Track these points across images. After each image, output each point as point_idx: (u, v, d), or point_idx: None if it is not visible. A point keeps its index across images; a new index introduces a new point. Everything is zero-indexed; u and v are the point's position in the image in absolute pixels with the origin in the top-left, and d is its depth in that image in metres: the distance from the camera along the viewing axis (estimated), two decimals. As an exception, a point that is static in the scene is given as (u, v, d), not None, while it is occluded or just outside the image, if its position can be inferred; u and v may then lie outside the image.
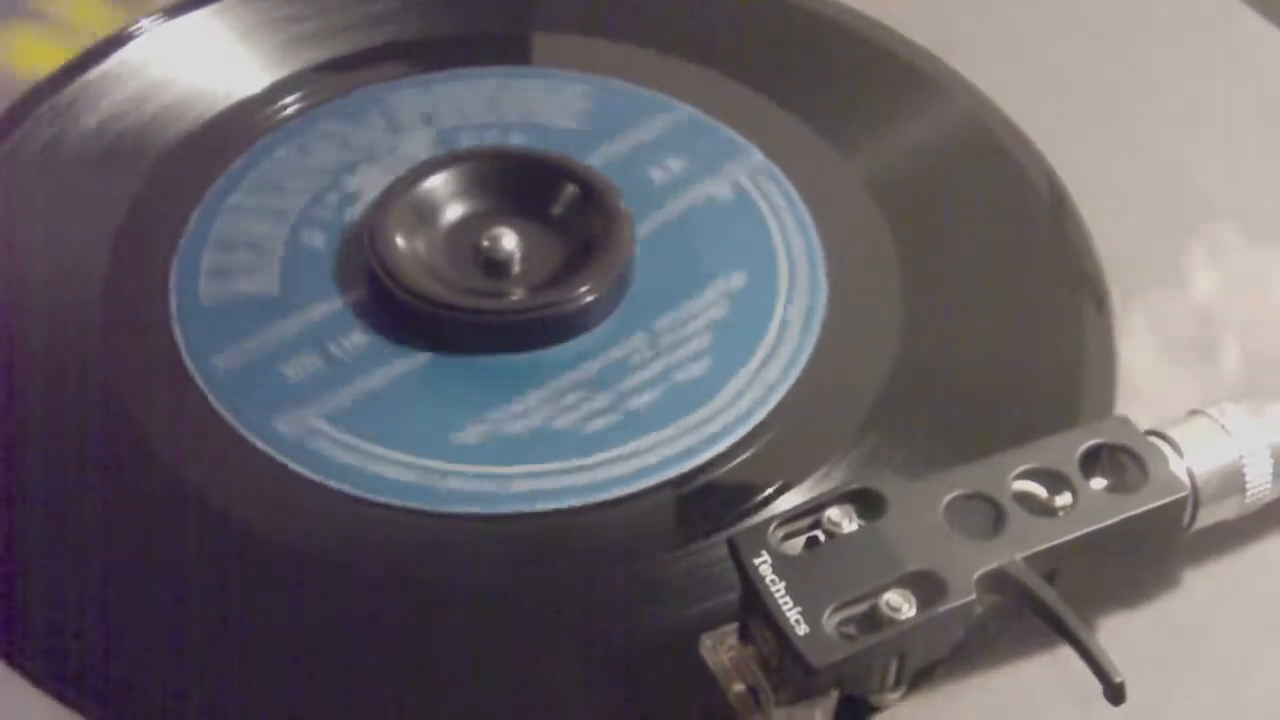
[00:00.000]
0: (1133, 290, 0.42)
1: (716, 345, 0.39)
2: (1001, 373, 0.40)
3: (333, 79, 0.46)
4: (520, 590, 0.35)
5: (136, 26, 0.47)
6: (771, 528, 0.32)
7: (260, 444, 0.37)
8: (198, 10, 0.48)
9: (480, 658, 0.34)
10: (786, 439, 0.38)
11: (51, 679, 0.33)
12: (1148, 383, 0.40)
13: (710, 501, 0.37)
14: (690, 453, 0.37)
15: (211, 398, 0.38)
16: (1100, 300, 0.42)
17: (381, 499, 0.36)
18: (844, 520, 0.32)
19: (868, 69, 0.48)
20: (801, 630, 0.30)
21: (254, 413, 0.38)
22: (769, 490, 0.36)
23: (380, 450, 0.37)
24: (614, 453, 0.37)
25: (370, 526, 0.36)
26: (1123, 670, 0.30)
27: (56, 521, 0.36)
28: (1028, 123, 0.46)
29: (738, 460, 0.37)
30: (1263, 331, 0.42)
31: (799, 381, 0.39)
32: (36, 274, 0.41)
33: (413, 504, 0.36)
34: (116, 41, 0.47)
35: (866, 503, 0.32)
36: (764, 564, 0.31)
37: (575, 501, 0.36)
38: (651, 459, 0.37)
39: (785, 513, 0.32)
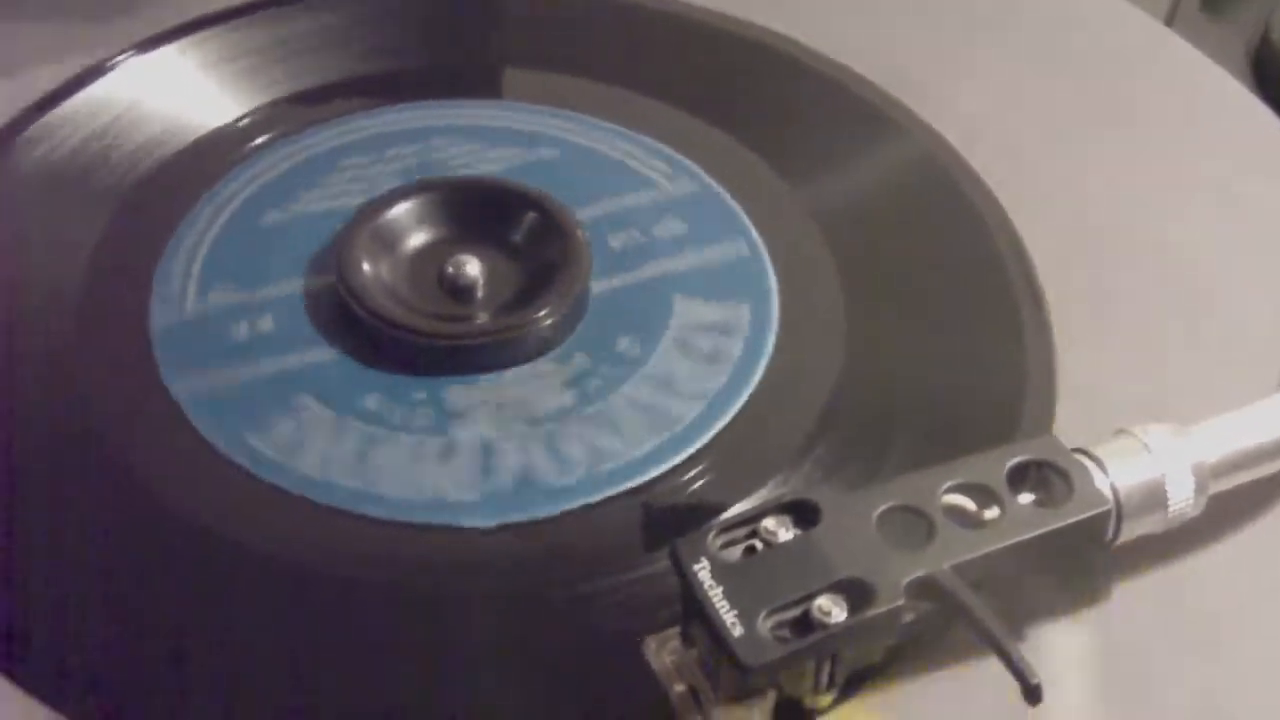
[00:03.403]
0: (1075, 313, 0.43)
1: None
2: (946, 395, 0.42)
3: (307, 110, 0.48)
4: (476, 597, 0.37)
5: (110, 60, 0.48)
6: (711, 535, 0.33)
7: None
8: (170, 44, 0.50)
9: (435, 660, 0.35)
10: (735, 455, 0.39)
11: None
12: (1087, 402, 0.41)
13: (658, 514, 0.38)
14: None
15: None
16: (1041, 323, 0.43)
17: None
18: (780, 529, 0.33)
19: (819, 103, 0.50)
20: (737, 632, 0.31)
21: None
22: (715, 505, 0.38)
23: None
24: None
25: (350, 539, 0.37)
26: (1044, 677, 0.31)
27: (34, 538, 0.37)
28: (974, 154, 0.48)
29: (686, 476, 0.39)
30: (1203, 353, 0.43)
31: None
32: (15, 291, 0.43)
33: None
34: (91, 74, 0.48)
35: (802, 513, 0.34)
36: (703, 570, 0.32)
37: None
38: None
39: (724, 521, 0.34)
